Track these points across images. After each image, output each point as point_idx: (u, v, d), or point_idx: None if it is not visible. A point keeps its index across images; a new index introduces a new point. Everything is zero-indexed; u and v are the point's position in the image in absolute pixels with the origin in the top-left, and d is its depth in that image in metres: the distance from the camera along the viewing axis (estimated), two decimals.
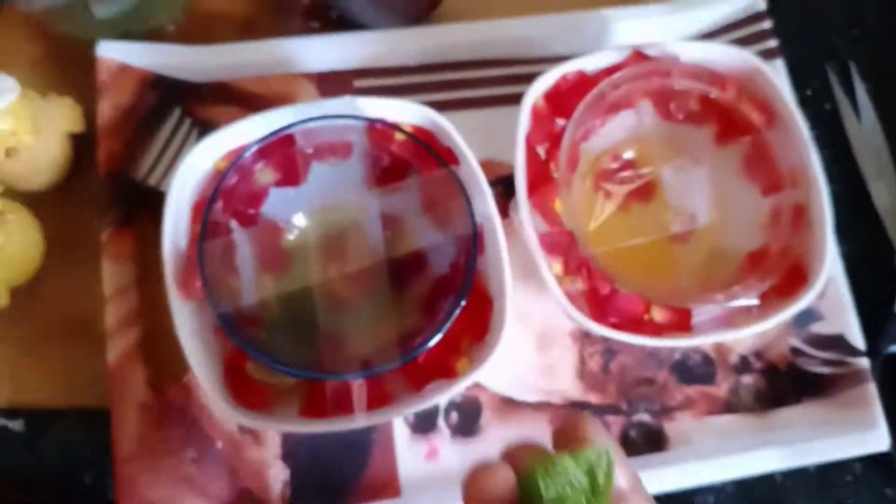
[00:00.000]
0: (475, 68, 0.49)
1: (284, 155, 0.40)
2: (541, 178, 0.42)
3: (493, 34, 0.50)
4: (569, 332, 0.46)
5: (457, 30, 0.49)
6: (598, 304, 0.40)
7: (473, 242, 0.39)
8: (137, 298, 0.42)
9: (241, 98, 0.46)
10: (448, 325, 0.38)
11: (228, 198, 0.39)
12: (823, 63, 0.55)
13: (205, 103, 0.46)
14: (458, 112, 0.48)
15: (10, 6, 0.48)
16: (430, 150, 0.40)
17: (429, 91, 0.48)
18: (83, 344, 0.43)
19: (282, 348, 0.39)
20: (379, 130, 0.40)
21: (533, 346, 0.45)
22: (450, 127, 0.41)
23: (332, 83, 0.47)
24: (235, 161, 0.39)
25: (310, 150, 0.41)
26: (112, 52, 0.44)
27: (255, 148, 0.39)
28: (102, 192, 0.43)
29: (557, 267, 0.41)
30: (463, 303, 0.38)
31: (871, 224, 0.51)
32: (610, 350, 0.45)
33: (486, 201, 0.40)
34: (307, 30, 0.48)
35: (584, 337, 0.46)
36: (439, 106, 0.41)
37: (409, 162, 0.41)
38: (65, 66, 0.47)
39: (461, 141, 0.41)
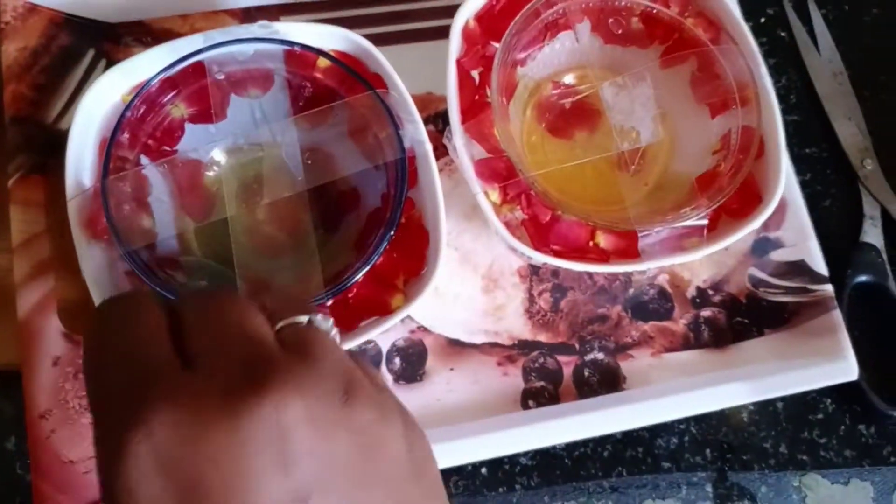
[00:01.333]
0: (410, 0, 0.47)
1: (198, 86, 0.38)
2: (476, 104, 0.39)
3: None
4: (517, 271, 0.43)
5: None
6: (540, 232, 0.38)
7: (402, 169, 0.37)
8: (49, 246, 0.39)
9: (159, 38, 0.44)
10: (376, 257, 0.35)
11: (136, 131, 0.37)
12: None
13: (121, 44, 0.43)
14: (393, 46, 0.45)
15: None
16: (356, 76, 0.38)
17: (360, 25, 0.45)
18: None
19: None
20: (299, 56, 0.38)
21: (480, 287, 0.43)
22: (376, 51, 0.38)
23: (258, 19, 0.44)
24: (140, 90, 0.36)
25: (226, 81, 0.38)
26: None
27: (160, 76, 0.36)
28: (9, 138, 0.40)
29: (495, 195, 0.38)
30: (391, 233, 0.36)
31: (835, 156, 0.49)
32: (560, 287, 0.43)
33: (416, 127, 0.37)
34: None
35: (533, 275, 0.43)
36: (373, 40, 0.39)
37: (335, 90, 0.38)
38: None
39: (388, 65, 0.38)
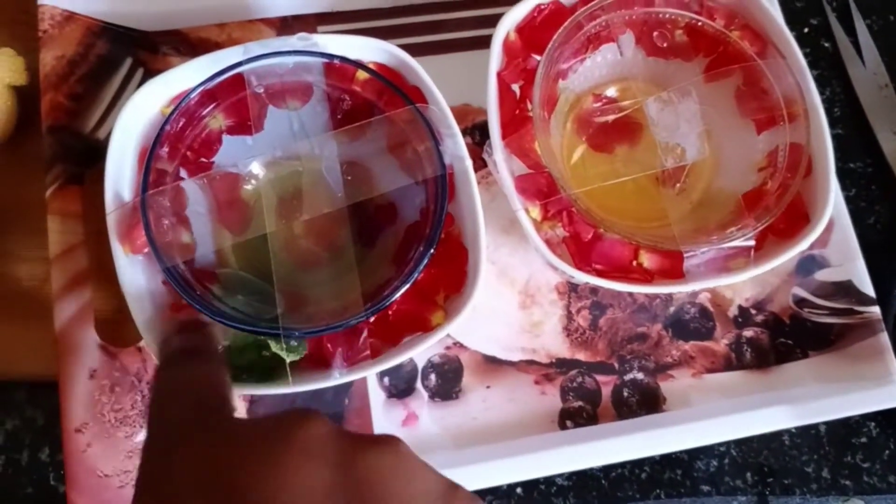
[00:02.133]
0: (447, 10, 0.46)
1: (236, 98, 0.37)
2: (516, 119, 0.39)
3: None
4: (555, 287, 0.42)
5: None
6: (581, 250, 0.37)
7: (442, 185, 0.36)
8: (87, 258, 0.39)
9: (196, 47, 0.43)
10: (416, 274, 0.35)
11: (175, 144, 0.36)
12: None
13: (158, 53, 0.43)
14: (430, 57, 0.45)
15: None
16: (395, 89, 0.37)
17: (398, 35, 0.45)
18: (31, 310, 0.40)
19: (239, 307, 0.36)
20: (338, 69, 0.37)
21: (517, 303, 0.42)
22: (416, 64, 0.38)
23: (295, 29, 0.44)
24: (179, 103, 0.36)
25: (264, 93, 0.38)
26: None
27: (200, 89, 0.36)
28: (46, 147, 0.40)
29: (535, 212, 0.38)
30: (432, 251, 0.35)
31: (879, 171, 0.48)
32: (599, 305, 0.42)
33: (455, 142, 0.37)
34: None
35: (572, 291, 0.42)
36: (409, 51, 0.38)
37: (374, 103, 0.38)
38: (11, 17, 0.44)
39: (428, 78, 0.38)
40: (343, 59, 0.37)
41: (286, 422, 0.22)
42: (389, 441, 0.23)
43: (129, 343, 0.38)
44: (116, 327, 0.38)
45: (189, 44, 0.44)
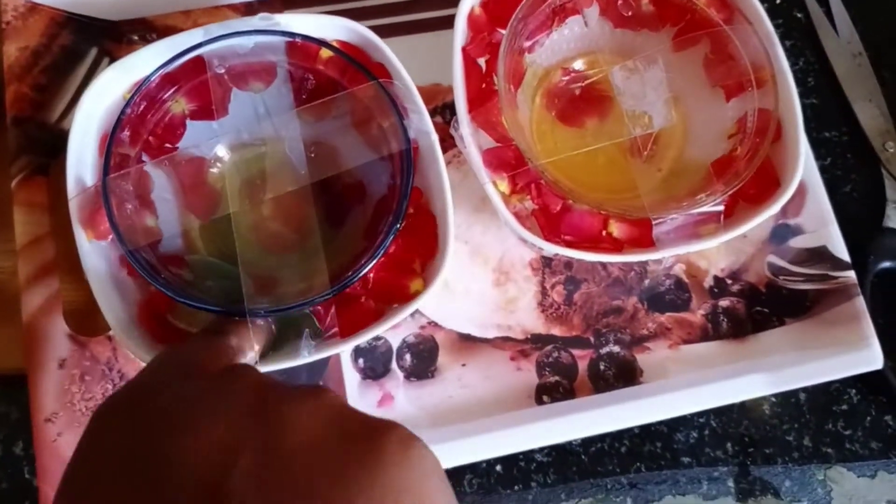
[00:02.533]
0: None
1: (199, 82, 0.37)
2: (483, 93, 0.38)
3: None
4: (528, 263, 0.42)
5: None
6: (551, 222, 0.37)
7: (408, 160, 0.36)
8: (53, 248, 0.39)
9: (163, 35, 0.43)
10: (381, 251, 0.35)
11: (137, 129, 0.36)
12: None
13: (123, 42, 0.43)
14: (399, 38, 0.45)
15: None
16: (358, 66, 0.37)
17: (365, 17, 0.45)
18: (1, 304, 0.39)
19: (207, 291, 0.36)
20: (301, 48, 0.37)
21: (491, 281, 0.42)
22: (378, 41, 0.38)
23: (260, 11, 0.44)
24: (140, 86, 0.35)
25: (227, 75, 0.37)
26: None
27: (160, 72, 0.35)
28: (10, 139, 0.40)
29: (504, 185, 0.37)
30: (398, 226, 0.35)
31: (855, 139, 0.48)
32: (573, 280, 0.42)
33: (421, 118, 0.36)
34: None
35: (545, 267, 0.42)
36: (378, 32, 0.38)
37: (338, 81, 0.38)
38: None
39: (392, 54, 0.37)
40: (305, 37, 0.37)
41: (220, 378, 0.22)
42: (313, 391, 0.22)
43: (99, 332, 0.38)
44: (85, 316, 0.38)
45: (155, 32, 0.44)
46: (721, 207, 0.36)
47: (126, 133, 0.36)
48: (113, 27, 0.43)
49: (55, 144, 0.40)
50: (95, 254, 0.35)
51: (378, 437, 0.21)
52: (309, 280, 0.37)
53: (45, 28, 0.41)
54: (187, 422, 0.21)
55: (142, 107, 0.36)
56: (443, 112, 0.44)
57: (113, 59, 0.43)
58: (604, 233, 0.37)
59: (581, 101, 0.42)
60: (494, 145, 0.38)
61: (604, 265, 0.42)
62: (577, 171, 0.39)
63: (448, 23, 0.45)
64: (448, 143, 0.39)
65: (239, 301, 0.35)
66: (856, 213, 0.46)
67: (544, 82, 0.42)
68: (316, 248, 0.38)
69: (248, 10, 0.44)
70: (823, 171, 0.45)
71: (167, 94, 0.37)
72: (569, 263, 0.42)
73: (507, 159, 0.37)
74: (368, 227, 0.38)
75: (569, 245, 0.37)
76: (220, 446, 0.20)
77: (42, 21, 0.41)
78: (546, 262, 0.42)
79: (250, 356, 0.32)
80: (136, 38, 0.43)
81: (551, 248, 0.36)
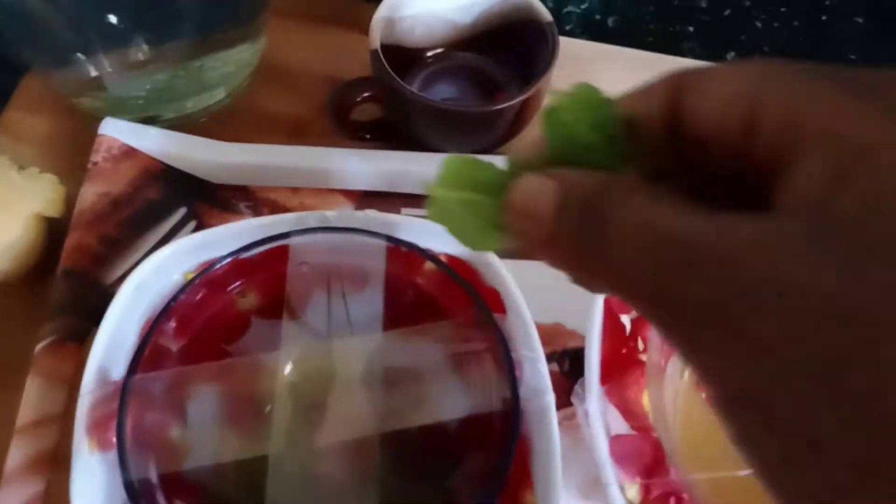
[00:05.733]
0: None
1: (276, 275, 0.30)
2: (622, 359, 0.29)
3: None
4: None
5: None
6: None
7: (512, 425, 0.27)
8: (58, 437, 0.31)
9: (263, 209, 0.38)
10: None
11: (188, 320, 0.29)
12: None
13: (218, 208, 0.37)
14: (520, 261, 0.37)
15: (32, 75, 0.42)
16: (465, 287, 0.29)
17: None
18: None
19: None
20: (404, 256, 0.30)
21: None
22: (497, 261, 0.30)
23: (376, 206, 0.38)
24: (204, 271, 0.29)
25: (311, 273, 0.30)
26: (117, 130, 0.37)
27: (230, 258, 0.29)
28: (54, 292, 0.34)
29: (633, 491, 0.27)
30: None
31: None
32: None
33: (536, 370, 0.28)
34: (357, 141, 0.40)
35: None
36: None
37: (437, 302, 0.30)
38: (75, 146, 0.40)
39: (511, 280, 0.30)
40: (410, 245, 0.30)
41: None
42: None
43: None
44: None
45: (255, 204, 0.38)
46: None
47: (172, 323, 0.29)
48: (209, 189, 0.38)
49: (104, 310, 0.34)
50: (92, 472, 0.27)
51: None
52: None
53: (136, 177, 0.37)
54: None
55: (200, 294, 0.29)
56: (560, 360, 0.35)
57: (200, 225, 0.37)
58: None
59: None
60: (628, 432, 0.28)
61: None
62: (740, 493, 0.28)
63: None
64: (561, 399, 0.30)
65: None
66: None
67: None
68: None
69: (363, 201, 0.38)
70: None
71: (236, 285, 0.30)
72: None
73: (644, 457, 0.28)
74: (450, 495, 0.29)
75: None
76: None
77: (134, 168, 0.37)
78: None
79: None
80: (230, 206, 0.38)
81: None
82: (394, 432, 0.30)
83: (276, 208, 0.38)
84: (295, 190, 0.38)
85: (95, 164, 0.36)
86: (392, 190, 0.38)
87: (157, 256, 0.30)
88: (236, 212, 0.38)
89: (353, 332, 0.31)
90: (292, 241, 0.29)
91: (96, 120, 0.38)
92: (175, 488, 0.28)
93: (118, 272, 0.35)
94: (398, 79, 0.35)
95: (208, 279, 0.29)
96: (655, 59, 0.45)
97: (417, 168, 0.37)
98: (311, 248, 0.30)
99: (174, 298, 0.28)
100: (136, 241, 0.36)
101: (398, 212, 0.38)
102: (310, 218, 0.30)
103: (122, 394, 0.27)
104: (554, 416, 0.28)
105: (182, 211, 0.37)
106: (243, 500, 0.29)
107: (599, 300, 0.30)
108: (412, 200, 0.38)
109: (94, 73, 0.38)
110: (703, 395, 0.32)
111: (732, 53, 0.47)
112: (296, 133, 0.42)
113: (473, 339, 0.29)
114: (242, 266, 0.30)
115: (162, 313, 0.28)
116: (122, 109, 0.39)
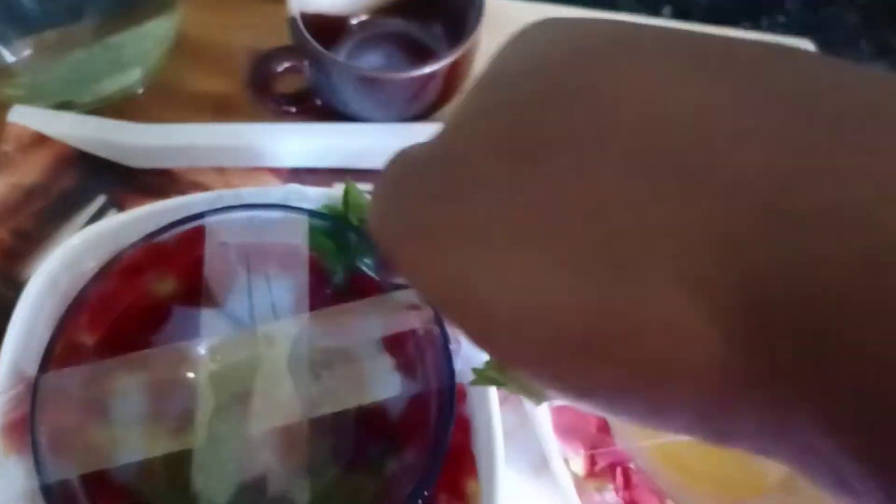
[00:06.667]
0: None
1: (193, 259, 0.28)
2: None
3: None
4: None
5: None
6: None
7: (447, 404, 0.25)
8: None
9: (187, 192, 0.36)
10: None
11: (102, 311, 0.27)
12: None
13: (139, 193, 0.35)
14: None
15: None
16: None
17: None
18: None
19: None
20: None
21: None
22: None
23: (306, 182, 0.36)
24: (116, 258, 0.27)
25: (233, 255, 0.29)
26: (27, 118, 0.35)
27: (143, 242, 0.27)
28: None
29: (578, 463, 0.26)
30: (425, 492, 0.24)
31: None
32: None
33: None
34: (282, 116, 0.38)
35: None
36: None
37: (373, 281, 0.29)
38: None
39: None
40: (332, 219, 0.28)
41: None
42: None
43: None
44: None
45: (182, 188, 0.36)
46: None
47: (85, 316, 0.27)
48: (130, 175, 0.36)
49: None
50: (12, 475, 0.25)
51: None
52: None
53: (49, 165, 0.35)
54: None
55: (113, 283, 0.27)
56: None
57: (122, 211, 0.35)
58: None
59: None
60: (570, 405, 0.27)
61: None
62: (688, 457, 0.27)
63: None
64: None
65: None
66: None
67: None
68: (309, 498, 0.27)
69: (293, 178, 0.36)
70: None
71: (152, 272, 0.28)
72: None
73: (587, 426, 0.26)
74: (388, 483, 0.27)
75: None
76: None
77: (46, 157, 0.35)
78: None
79: None
80: (153, 192, 0.36)
81: None
82: (327, 419, 0.28)
83: (199, 189, 0.36)
84: (221, 171, 0.36)
85: (5, 153, 0.34)
86: (323, 165, 0.37)
87: (66, 246, 0.28)
88: (158, 196, 0.36)
89: (278, 315, 0.29)
90: (208, 221, 0.28)
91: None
92: (99, 489, 0.26)
93: (34, 267, 0.33)
94: (319, 47, 0.33)
95: (121, 267, 0.27)
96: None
97: (346, 141, 0.36)
98: (229, 228, 0.28)
99: (83, 290, 0.27)
100: (52, 234, 0.34)
101: (331, 185, 0.37)
102: (228, 196, 0.28)
103: (34, 393, 0.25)
104: (494, 392, 0.27)
105: (101, 199, 0.35)
106: (174, 498, 0.28)
107: None
108: (344, 175, 0.37)
109: (10, 58, 0.36)
110: None
111: (669, 7, 0.46)
112: (220, 111, 0.40)
113: (407, 315, 0.28)
114: (157, 251, 0.28)
115: (71, 306, 0.26)
116: (39, 95, 0.37)
